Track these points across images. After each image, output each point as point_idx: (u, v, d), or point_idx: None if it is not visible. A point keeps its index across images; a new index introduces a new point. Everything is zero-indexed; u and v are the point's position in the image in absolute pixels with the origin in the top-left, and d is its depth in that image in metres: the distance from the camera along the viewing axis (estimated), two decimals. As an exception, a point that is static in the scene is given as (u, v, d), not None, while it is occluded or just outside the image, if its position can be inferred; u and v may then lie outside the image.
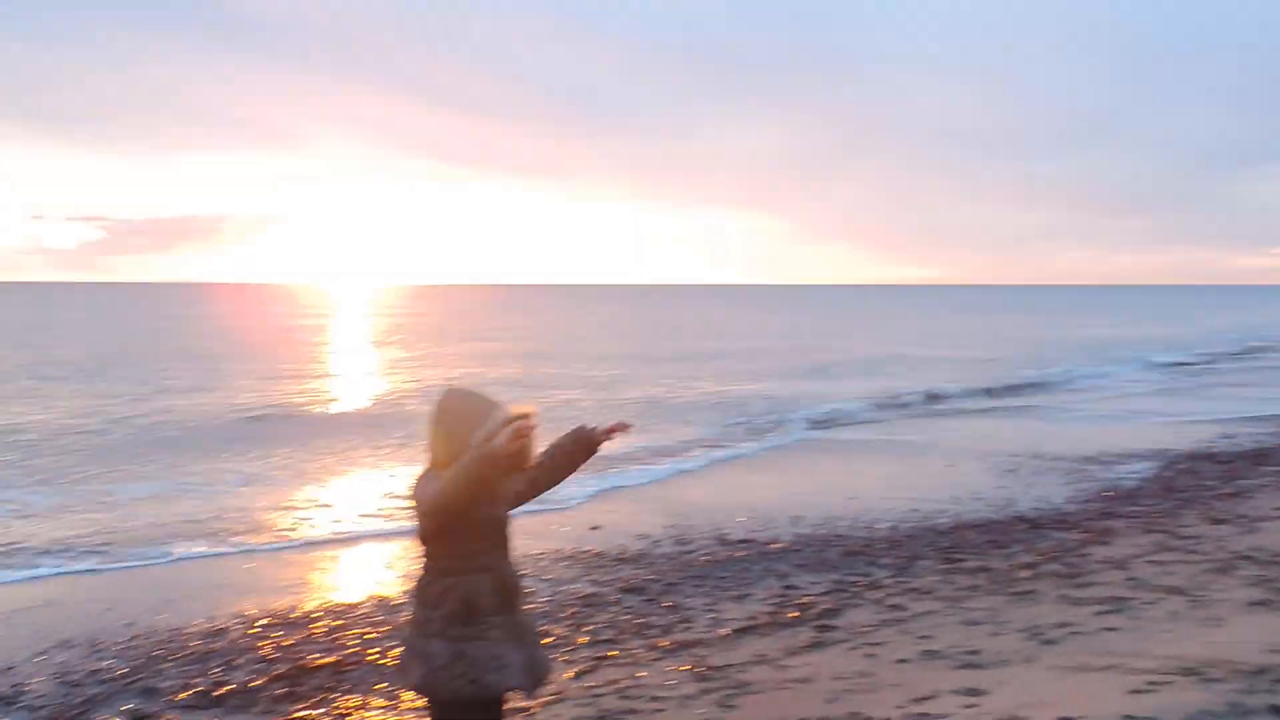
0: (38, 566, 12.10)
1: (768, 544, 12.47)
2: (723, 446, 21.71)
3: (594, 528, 13.75)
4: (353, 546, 13.34)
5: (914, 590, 10.21)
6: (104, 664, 8.67)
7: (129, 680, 8.18)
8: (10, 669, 8.61)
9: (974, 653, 7.90)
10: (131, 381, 35.03)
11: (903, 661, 7.84)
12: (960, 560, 11.45)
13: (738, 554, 12.01)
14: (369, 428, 24.81)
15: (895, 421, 26.08)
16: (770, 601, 9.99)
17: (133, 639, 9.31)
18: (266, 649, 8.88)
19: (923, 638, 8.48)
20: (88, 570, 12.02)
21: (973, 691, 6.88)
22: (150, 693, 7.89)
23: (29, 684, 8.24)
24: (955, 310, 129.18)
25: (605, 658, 8.39)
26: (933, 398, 30.66)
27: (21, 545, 13.06)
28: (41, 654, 9.01)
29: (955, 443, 21.63)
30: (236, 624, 9.68)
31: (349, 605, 10.30)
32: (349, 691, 7.77)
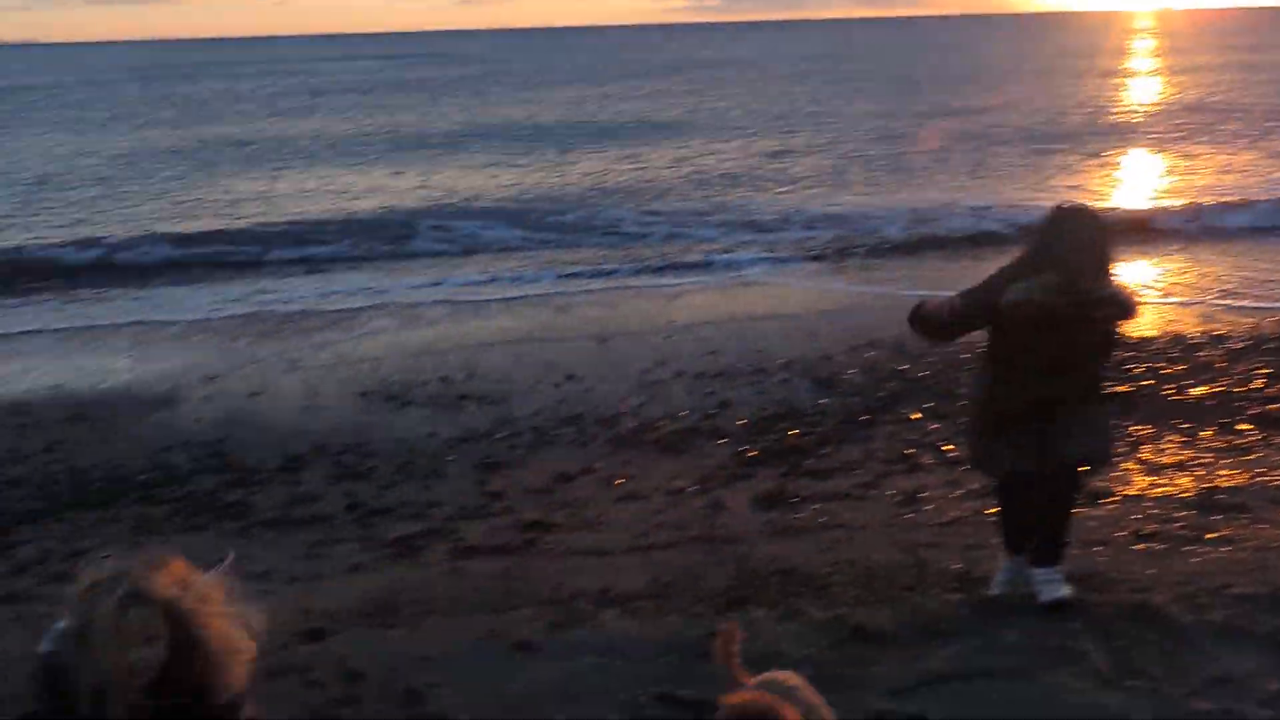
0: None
1: None
2: None
3: None
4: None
5: None
6: (906, 366, 9.57)
7: (929, 382, 8.97)
8: (829, 358, 9.89)
9: None
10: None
11: None
12: None
13: None
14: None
15: None
16: None
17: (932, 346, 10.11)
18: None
19: None
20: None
21: None
22: (948, 395, 8.58)
23: (844, 373, 9.42)
24: None
25: None
26: None
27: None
28: (854, 350, 10.20)
29: None
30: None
31: (1141, 338, 10.14)
32: (1141, 422, 7.74)
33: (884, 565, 5.36)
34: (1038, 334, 4.19)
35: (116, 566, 3.39)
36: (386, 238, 17.95)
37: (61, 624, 3.98)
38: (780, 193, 22.05)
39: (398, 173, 25.53)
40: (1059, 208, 4.48)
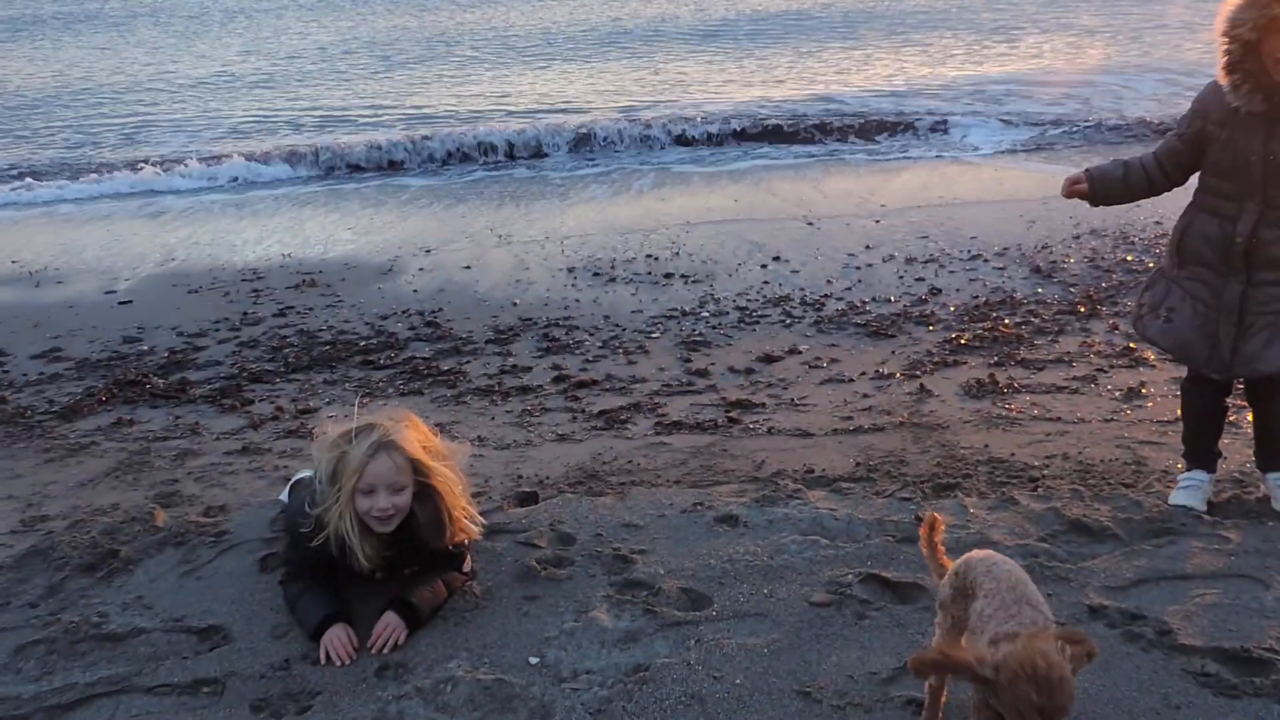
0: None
1: None
2: None
3: None
4: None
5: None
6: (1132, 256, 9.08)
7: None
8: (1047, 248, 9.46)
9: None
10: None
11: None
12: None
13: None
14: None
15: None
16: None
17: (1160, 236, 9.54)
18: None
19: None
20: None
21: None
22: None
23: (1064, 262, 9.00)
24: None
25: None
26: None
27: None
28: (1076, 238, 9.73)
29: None
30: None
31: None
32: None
33: (1101, 461, 5.16)
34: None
35: (365, 419, 3.63)
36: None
37: (304, 474, 4.25)
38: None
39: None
40: None
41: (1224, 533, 3.99)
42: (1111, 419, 5.84)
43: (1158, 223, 9.95)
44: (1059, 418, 5.90)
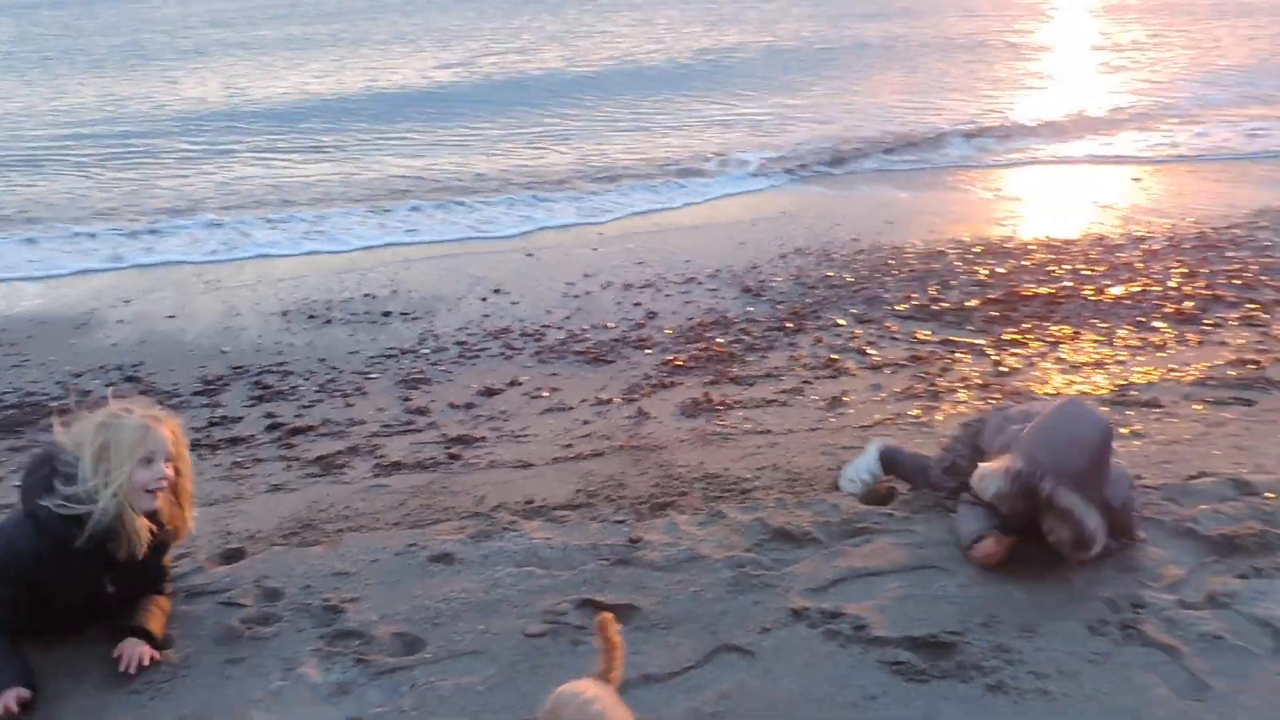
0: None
1: None
2: None
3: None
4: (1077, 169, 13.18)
5: None
6: (833, 272, 9.60)
7: (855, 289, 9.00)
8: (756, 268, 9.87)
9: None
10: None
11: None
12: None
13: None
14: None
15: None
16: None
17: (858, 253, 10.15)
18: (982, 274, 9.21)
19: None
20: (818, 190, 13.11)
21: None
22: (873, 301, 8.64)
23: (772, 281, 9.42)
24: None
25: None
26: None
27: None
28: (782, 257, 10.20)
29: None
30: (953, 249, 10.10)
31: (1065, 240, 10.24)
32: (1060, 322, 7.86)
33: (807, 469, 5.40)
34: None
35: (121, 405, 3.53)
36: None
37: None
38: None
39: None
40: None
41: (912, 527, 4.24)
42: (817, 428, 6.14)
43: (855, 239, 10.59)
44: (769, 430, 6.15)
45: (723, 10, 38.09)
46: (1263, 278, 8.69)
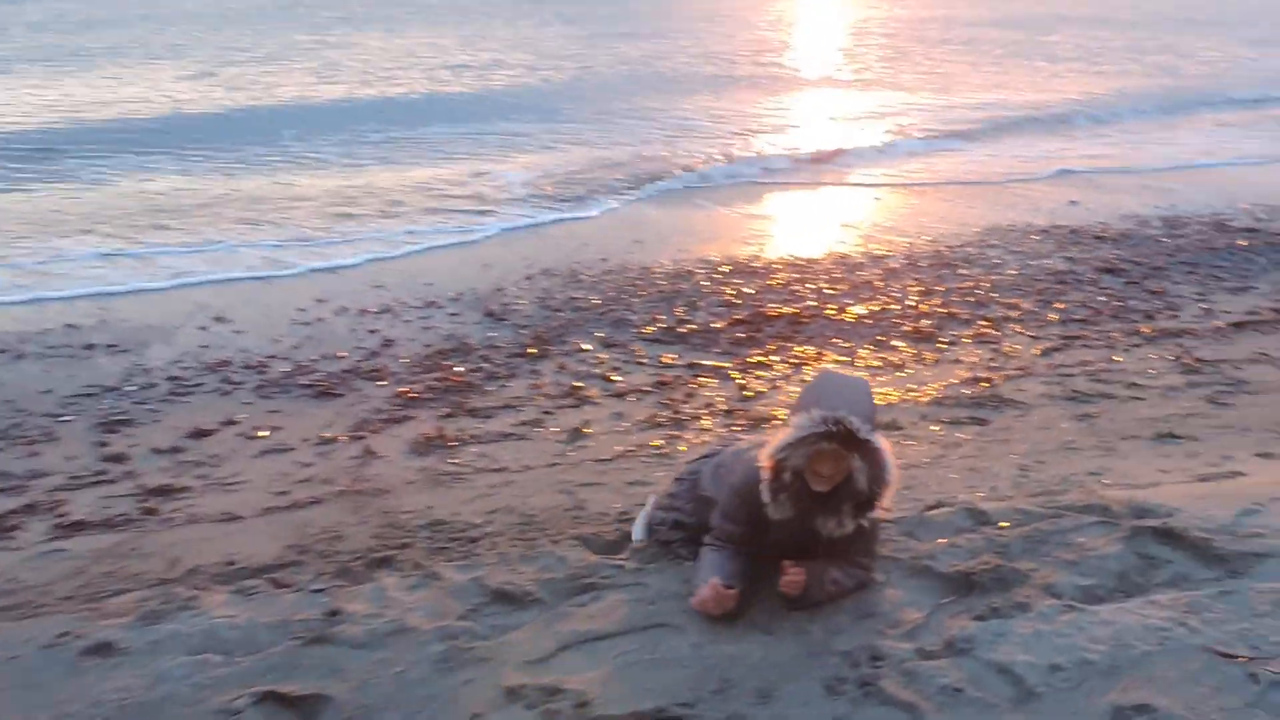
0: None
1: (1268, 236, 10.92)
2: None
3: (1073, 202, 12.76)
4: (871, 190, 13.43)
5: None
6: (580, 294, 9.30)
7: (602, 311, 8.72)
8: (501, 290, 9.46)
9: None
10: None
11: None
12: None
13: (1239, 243, 10.63)
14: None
15: None
16: (1275, 297, 8.80)
17: (606, 273, 9.90)
18: (728, 294, 9.11)
19: None
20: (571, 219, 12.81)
21: None
22: (619, 323, 8.38)
23: (516, 304, 9.03)
24: None
25: (1077, 337, 7.82)
26: None
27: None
28: (528, 279, 9.83)
29: None
30: (701, 269, 9.98)
31: (809, 260, 10.31)
32: (804, 343, 7.82)
33: (542, 510, 5.05)
34: None
35: None
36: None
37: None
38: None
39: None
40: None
41: (644, 579, 3.92)
42: (555, 463, 5.79)
43: (604, 260, 10.34)
44: (505, 467, 5.76)
45: (463, 32, 37.65)
46: (993, 295, 8.96)
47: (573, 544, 4.43)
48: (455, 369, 7.45)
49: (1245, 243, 10.61)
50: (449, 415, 6.63)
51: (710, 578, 3.67)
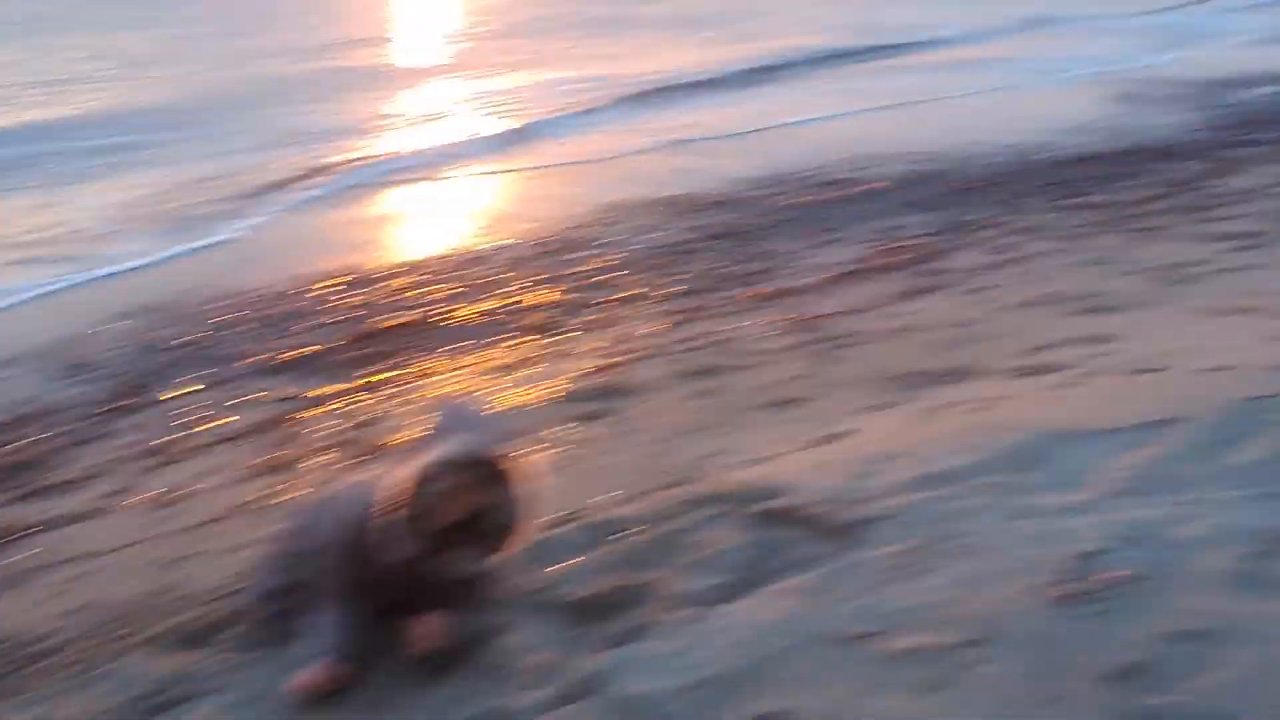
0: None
1: (862, 185, 11.61)
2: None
3: (676, 170, 13.12)
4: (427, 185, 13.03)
5: (1026, 230, 9.40)
6: (183, 330, 8.35)
7: (200, 347, 7.89)
8: (85, 336, 8.34)
9: (1099, 295, 7.20)
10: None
11: (1021, 306, 7.18)
12: (1076, 196, 10.55)
13: (832, 196, 11.20)
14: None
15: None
16: (870, 246, 9.29)
17: (212, 302, 8.97)
18: (346, 309, 8.52)
19: (1039, 280, 7.78)
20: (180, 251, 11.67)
21: (1100, 339, 6.22)
22: (222, 359, 7.59)
23: (101, 353, 7.95)
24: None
25: (699, 309, 7.86)
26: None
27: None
28: (124, 318, 8.72)
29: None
30: (320, 284, 9.26)
31: (432, 259, 9.89)
32: (427, 353, 7.40)
33: (134, 600, 4.37)
34: None
35: None
36: None
37: None
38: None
39: None
40: None
41: (238, 674, 3.39)
42: (147, 538, 5.07)
43: (212, 288, 9.41)
44: (84, 554, 4.97)
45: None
46: (617, 275, 8.91)
47: (166, 640, 3.83)
48: (24, 439, 6.45)
49: (842, 194, 11.20)
50: (17, 499, 5.69)
51: (321, 655, 3.24)
